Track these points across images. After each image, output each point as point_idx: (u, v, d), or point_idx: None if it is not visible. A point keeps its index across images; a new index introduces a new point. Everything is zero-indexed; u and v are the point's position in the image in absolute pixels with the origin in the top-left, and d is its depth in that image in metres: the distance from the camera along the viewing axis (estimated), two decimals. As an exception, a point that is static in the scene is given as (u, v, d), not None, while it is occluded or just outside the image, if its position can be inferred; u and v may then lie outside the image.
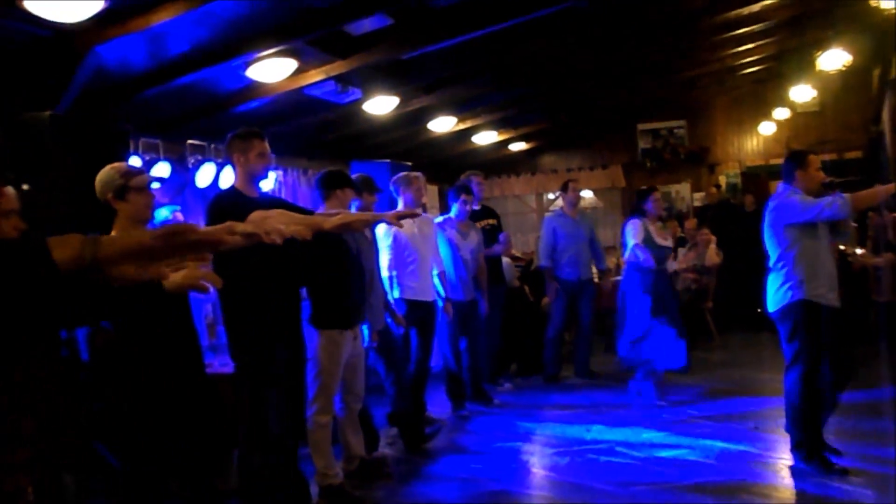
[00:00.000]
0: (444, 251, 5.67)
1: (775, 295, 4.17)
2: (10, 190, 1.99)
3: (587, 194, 11.78)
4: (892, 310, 6.81)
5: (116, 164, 2.75)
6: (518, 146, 10.99)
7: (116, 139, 3.76)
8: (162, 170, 5.28)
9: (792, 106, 10.20)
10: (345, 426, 4.28)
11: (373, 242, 4.65)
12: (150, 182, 2.73)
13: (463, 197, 5.80)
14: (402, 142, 8.49)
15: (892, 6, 6.36)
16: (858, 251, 7.70)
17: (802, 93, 9.66)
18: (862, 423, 4.85)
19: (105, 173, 2.69)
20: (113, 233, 2.66)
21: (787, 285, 4.09)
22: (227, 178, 6.07)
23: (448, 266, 5.65)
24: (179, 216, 4.69)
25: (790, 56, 9.44)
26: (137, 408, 2.74)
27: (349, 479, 4.19)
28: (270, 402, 3.29)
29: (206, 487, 3.03)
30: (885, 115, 9.30)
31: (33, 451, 1.89)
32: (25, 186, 3.20)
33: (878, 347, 6.25)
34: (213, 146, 6.20)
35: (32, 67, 3.96)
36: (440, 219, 5.92)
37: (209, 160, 5.87)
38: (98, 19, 3.53)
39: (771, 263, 4.20)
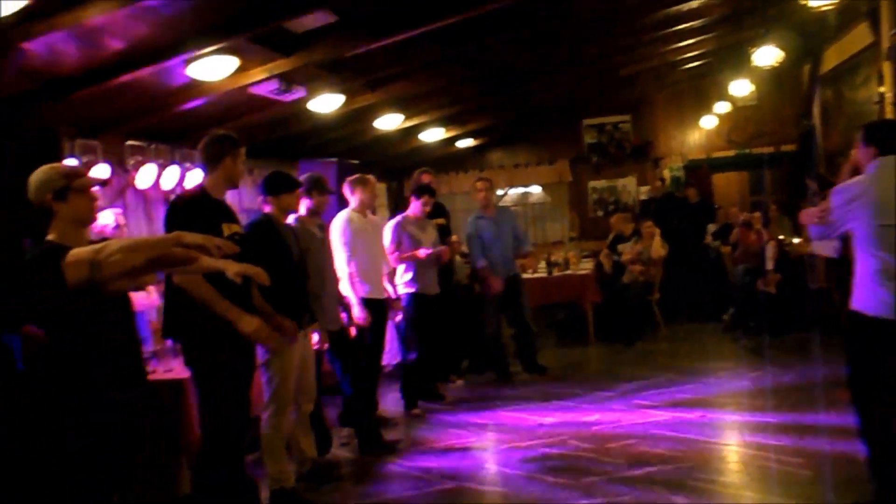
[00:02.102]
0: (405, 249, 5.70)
1: None
2: None
3: (535, 189, 11.92)
4: (823, 296, 7.10)
5: (56, 165, 2.64)
6: (465, 143, 11.01)
7: (45, 140, 3.62)
8: (101, 171, 5.13)
9: (731, 100, 10.47)
10: (296, 428, 4.23)
11: (323, 240, 4.61)
12: (94, 184, 2.63)
13: (424, 198, 5.81)
14: (348, 140, 8.42)
15: (820, 4, 6.58)
16: (795, 240, 7.98)
17: (741, 87, 9.92)
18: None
19: (43, 173, 2.58)
20: (50, 236, 2.56)
21: None
22: (171, 179, 5.95)
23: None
24: (121, 219, 4.57)
25: (728, 52, 9.69)
26: (76, 416, 2.65)
27: (301, 482, 4.15)
28: (224, 407, 3.23)
29: (152, 496, 2.96)
30: (815, 109, 9.67)
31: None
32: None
33: (812, 332, 6.48)
34: (153, 146, 6.05)
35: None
36: (396, 218, 5.91)
37: (150, 161, 5.73)
38: (23, 14, 3.38)
39: None
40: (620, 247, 8.70)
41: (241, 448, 3.51)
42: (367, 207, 5.30)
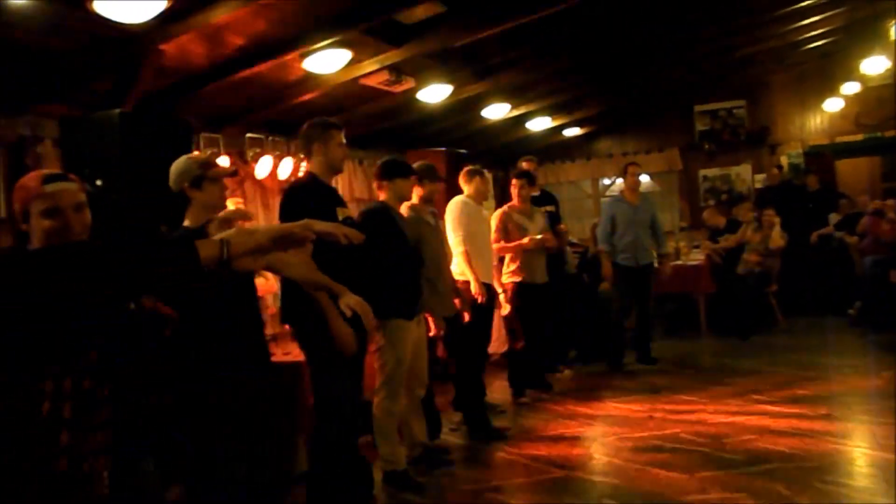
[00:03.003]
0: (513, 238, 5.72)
1: None
2: (76, 185, 2.04)
3: (644, 178, 11.57)
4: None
5: (193, 155, 2.82)
6: (572, 131, 10.85)
7: (181, 134, 3.85)
8: (223, 163, 5.40)
9: (862, 79, 9.73)
10: (408, 413, 4.32)
11: (436, 228, 4.66)
12: (226, 173, 2.78)
13: (518, 182, 5.83)
14: (456, 129, 8.47)
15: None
16: None
17: (875, 65, 9.16)
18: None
19: (182, 163, 2.75)
20: (186, 221, 2.73)
21: None
22: (286, 169, 6.19)
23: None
24: (242, 207, 4.81)
25: (860, 27, 8.99)
26: (206, 396, 2.80)
27: (412, 466, 4.24)
28: (337, 390, 3.33)
29: (273, 472, 3.10)
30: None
31: (108, 437, 1.95)
32: (99, 182, 3.31)
33: None
34: (270, 139, 6.31)
35: (101, 67, 4.09)
36: (503, 207, 5.92)
37: (267, 153, 5.98)
38: (161, 18, 3.61)
39: None
40: (721, 238, 8.41)
41: (353, 429, 3.62)
42: (481, 197, 5.35)
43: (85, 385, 1.91)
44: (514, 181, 5.86)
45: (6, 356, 1.85)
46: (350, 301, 2.80)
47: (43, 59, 3.89)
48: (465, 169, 5.38)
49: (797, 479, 3.78)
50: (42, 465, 1.82)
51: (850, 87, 9.87)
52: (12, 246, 3.24)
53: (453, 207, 5.17)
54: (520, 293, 5.71)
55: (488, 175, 5.63)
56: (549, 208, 6.34)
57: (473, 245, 5.11)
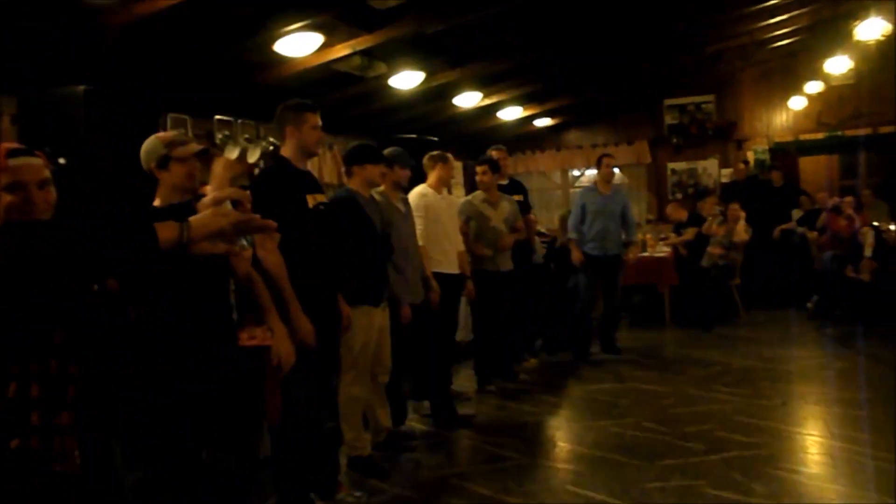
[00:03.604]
0: (474, 225, 5.72)
1: None
2: (41, 161, 2.01)
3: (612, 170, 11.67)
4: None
5: (161, 134, 2.76)
6: (543, 122, 10.90)
7: (148, 113, 3.79)
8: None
9: (826, 78, 9.93)
10: (373, 398, 4.32)
11: (406, 215, 4.64)
12: (193, 153, 2.72)
13: (480, 168, 5.80)
14: (427, 117, 8.46)
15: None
16: (892, 227, 7.60)
17: (838, 64, 9.35)
18: None
19: (149, 143, 2.70)
20: (156, 202, 2.68)
21: None
22: (255, 154, 6.12)
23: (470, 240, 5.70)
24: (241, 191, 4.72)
25: (824, 27, 9.17)
26: (169, 379, 2.78)
27: (377, 451, 4.25)
28: (304, 374, 3.32)
29: (237, 456, 3.08)
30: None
31: (75, 415, 1.94)
32: (62, 160, 3.24)
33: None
34: (239, 121, 6.23)
35: (64, 44, 3.99)
36: (469, 196, 5.91)
37: (236, 135, 5.91)
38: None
39: None
40: (683, 231, 8.58)
41: (318, 416, 3.61)
42: (443, 184, 5.30)
43: (52, 365, 1.89)
44: (477, 168, 5.83)
45: None
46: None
47: (2, 34, 3.79)
48: (428, 154, 5.29)
49: (753, 467, 3.88)
50: (15, 444, 1.82)
51: (814, 87, 10.07)
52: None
53: (411, 200, 5.04)
54: (480, 281, 5.71)
55: (453, 161, 5.58)
56: (517, 197, 6.36)
57: (433, 237, 5.06)
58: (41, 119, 3.57)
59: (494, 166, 5.81)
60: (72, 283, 1.88)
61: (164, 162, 2.65)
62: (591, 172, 11.79)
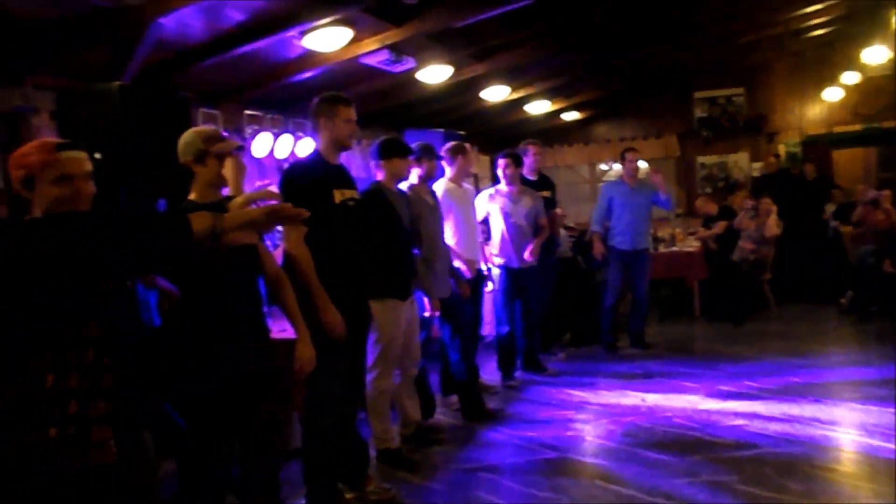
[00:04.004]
0: (495, 221, 5.69)
1: None
2: (86, 154, 2.06)
3: (641, 164, 11.54)
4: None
5: (201, 128, 2.77)
6: (571, 115, 10.83)
7: (180, 109, 3.82)
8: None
9: (862, 69, 9.69)
10: (401, 391, 4.34)
11: (435, 208, 4.63)
12: (231, 149, 2.74)
13: (500, 162, 5.76)
14: (454, 111, 8.44)
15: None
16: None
17: (875, 55, 9.07)
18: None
19: (187, 136, 2.72)
20: (191, 195, 2.71)
21: None
22: (284, 148, 6.16)
23: (496, 234, 5.69)
24: (272, 188, 4.77)
25: (862, 16, 8.94)
26: (201, 370, 2.80)
27: (405, 444, 4.27)
28: (333, 367, 3.33)
29: (267, 448, 3.11)
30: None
31: (111, 405, 1.97)
32: (98, 155, 3.28)
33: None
34: (269, 116, 6.27)
35: (97, 39, 4.04)
36: (491, 190, 5.89)
37: (265, 130, 5.95)
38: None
39: None
40: (714, 225, 8.47)
41: (347, 408, 3.62)
42: (463, 176, 5.27)
43: (88, 356, 1.93)
44: (499, 161, 5.76)
45: (5, 327, 1.87)
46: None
47: (39, 30, 3.85)
48: (448, 146, 5.22)
49: (786, 464, 3.82)
50: (53, 433, 1.87)
51: (850, 77, 9.84)
52: (12, 216, 3.23)
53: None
54: (503, 276, 5.70)
55: (482, 156, 5.55)
56: (545, 193, 6.32)
57: (454, 229, 5.04)
58: (79, 115, 3.62)
59: (517, 160, 5.78)
60: (112, 272, 1.93)
61: (201, 156, 2.67)
62: (619, 167, 11.70)
